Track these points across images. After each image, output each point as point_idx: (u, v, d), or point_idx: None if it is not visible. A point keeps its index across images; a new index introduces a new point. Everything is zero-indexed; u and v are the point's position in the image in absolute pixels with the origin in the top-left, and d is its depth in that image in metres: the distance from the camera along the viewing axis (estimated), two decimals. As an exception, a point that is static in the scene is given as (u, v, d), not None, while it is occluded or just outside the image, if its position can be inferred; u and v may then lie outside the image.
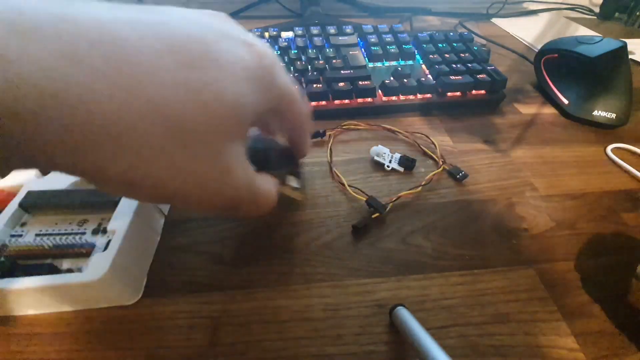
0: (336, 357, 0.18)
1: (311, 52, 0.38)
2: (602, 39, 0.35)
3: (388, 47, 0.40)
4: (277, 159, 0.20)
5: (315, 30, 0.42)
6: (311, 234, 0.24)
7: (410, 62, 0.41)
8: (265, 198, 0.17)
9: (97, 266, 0.18)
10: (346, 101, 0.35)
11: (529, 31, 0.57)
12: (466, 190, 0.28)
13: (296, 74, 0.36)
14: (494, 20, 0.62)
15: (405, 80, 0.36)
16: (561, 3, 0.69)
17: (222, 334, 0.19)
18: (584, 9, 0.68)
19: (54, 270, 0.19)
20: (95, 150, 0.11)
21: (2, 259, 0.19)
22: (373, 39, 0.41)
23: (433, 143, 0.31)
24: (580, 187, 0.28)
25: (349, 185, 0.27)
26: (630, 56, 0.48)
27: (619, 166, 0.30)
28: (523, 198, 0.27)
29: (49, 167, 0.12)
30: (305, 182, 0.27)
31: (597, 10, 0.67)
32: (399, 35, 0.42)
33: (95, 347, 0.18)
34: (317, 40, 0.40)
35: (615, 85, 0.34)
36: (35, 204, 0.22)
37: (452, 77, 0.36)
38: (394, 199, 0.26)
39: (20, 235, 0.21)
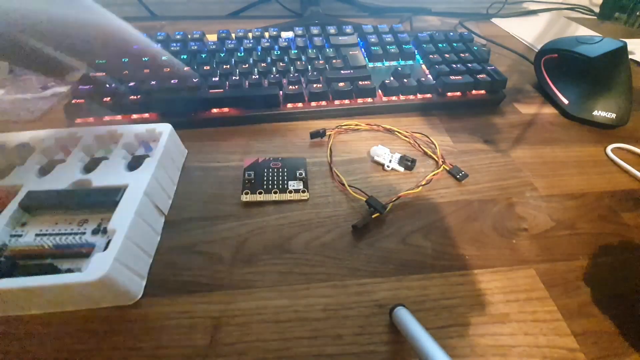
0: (336, 357, 0.18)
1: (311, 52, 0.38)
2: (602, 39, 0.35)
3: (388, 47, 0.40)
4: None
5: (315, 30, 0.42)
6: (311, 234, 0.24)
7: (410, 62, 0.41)
8: None
9: (97, 266, 0.18)
10: (346, 101, 0.35)
11: (529, 31, 0.57)
12: (466, 190, 0.28)
13: (296, 74, 0.36)
14: (494, 20, 0.62)
15: (405, 80, 0.36)
16: (561, 3, 0.69)
17: (222, 334, 0.19)
18: (584, 9, 0.68)
19: (54, 270, 0.19)
20: None
21: (2, 259, 0.19)
22: (373, 39, 0.41)
23: (433, 143, 0.31)
24: (580, 187, 0.28)
25: (349, 185, 0.27)
26: (630, 56, 0.48)
27: (619, 166, 0.30)
28: (523, 198, 0.27)
29: None
30: (307, 182, 0.27)
31: (597, 10, 0.67)
32: (399, 35, 0.42)
33: (95, 347, 0.18)
34: (317, 40, 0.40)
35: (615, 85, 0.34)
36: (35, 204, 0.22)
37: (452, 77, 0.36)
38: (394, 199, 0.26)
39: (20, 235, 0.21)
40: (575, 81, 0.36)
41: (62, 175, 0.23)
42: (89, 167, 0.25)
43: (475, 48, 0.40)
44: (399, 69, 0.37)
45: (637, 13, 0.61)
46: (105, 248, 0.19)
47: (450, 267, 0.22)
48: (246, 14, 0.61)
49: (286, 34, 0.42)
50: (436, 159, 0.30)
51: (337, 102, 0.35)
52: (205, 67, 0.35)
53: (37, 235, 0.21)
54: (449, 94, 0.36)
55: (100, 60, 0.28)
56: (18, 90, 0.38)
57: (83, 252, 0.20)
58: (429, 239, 0.24)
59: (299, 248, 0.23)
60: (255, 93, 0.33)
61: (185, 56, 0.37)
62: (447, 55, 0.39)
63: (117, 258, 0.18)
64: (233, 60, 0.38)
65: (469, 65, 0.38)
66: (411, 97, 0.36)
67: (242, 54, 0.38)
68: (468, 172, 0.28)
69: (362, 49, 0.41)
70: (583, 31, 0.58)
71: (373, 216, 0.24)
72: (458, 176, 0.28)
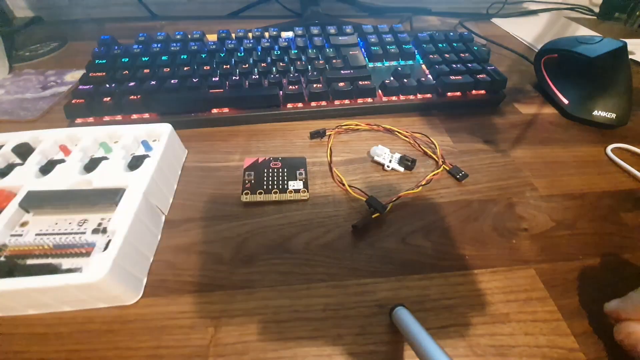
0: (336, 357, 0.18)
1: (311, 52, 0.38)
2: (602, 39, 0.35)
3: (388, 47, 0.40)
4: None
5: (315, 30, 0.42)
6: (311, 234, 0.24)
7: (410, 62, 0.41)
8: None
9: (97, 266, 0.18)
10: (346, 101, 0.35)
11: (529, 31, 0.57)
12: (466, 190, 0.28)
13: (296, 74, 0.36)
14: (494, 20, 0.62)
15: (405, 80, 0.36)
16: (561, 3, 0.69)
17: (222, 334, 0.19)
18: (584, 9, 0.68)
19: (54, 270, 0.19)
20: None
21: (2, 259, 0.19)
22: (373, 39, 0.41)
23: (433, 143, 0.31)
24: (580, 187, 0.28)
25: (349, 185, 0.27)
26: (630, 56, 0.48)
27: (619, 166, 0.30)
28: (523, 198, 0.27)
29: None
30: (307, 182, 0.27)
31: (597, 10, 0.67)
32: (399, 35, 0.42)
33: (95, 347, 0.18)
34: (317, 40, 0.40)
35: (615, 85, 0.34)
36: (35, 204, 0.22)
37: (452, 77, 0.36)
38: (394, 199, 0.26)
39: (20, 235, 0.21)
40: (575, 81, 0.36)
41: (62, 175, 0.23)
42: (89, 167, 0.25)
43: (475, 48, 0.40)
44: (399, 69, 0.37)
45: (637, 13, 0.61)
46: (105, 248, 0.19)
47: (450, 267, 0.22)
48: (246, 14, 0.61)
49: (286, 34, 0.42)
50: (436, 159, 0.30)
51: (337, 102, 0.35)
52: (205, 67, 0.35)
53: (37, 235, 0.21)
54: (449, 94, 0.36)
55: None
56: (18, 90, 0.38)
57: (83, 252, 0.20)
58: (429, 239, 0.24)
59: (299, 248, 0.23)
60: (255, 93, 0.33)
61: (185, 56, 0.37)
62: (447, 55, 0.39)
63: (117, 258, 0.18)
64: (233, 60, 0.38)
65: (469, 65, 0.38)
66: (411, 97, 0.36)
67: (242, 54, 0.38)
68: (468, 172, 0.28)
69: (362, 49, 0.41)
70: (583, 31, 0.58)
71: (373, 216, 0.24)
72: (458, 176, 0.28)
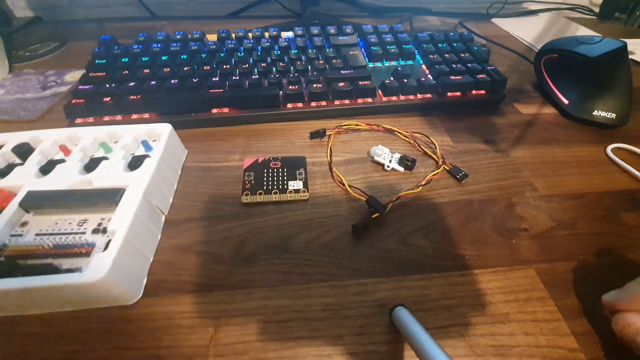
0: (336, 357, 0.18)
1: (311, 52, 0.38)
2: (602, 39, 0.35)
3: (388, 47, 0.40)
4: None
5: (315, 30, 0.42)
6: (311, 234, 0.24)
7: (410, 62, 0.41)
8: None
9: (97, 266, 0.18)
10: (346, 101, 0.35)
11: (529, 31, 0.57)
12: (466, 190, 0.27)
13: (296, 74, 0.36)
14: (494, 20, 0.62)
15: (405, 80, 0.36)
16: (561, 3, 0.69)
17: (222, 334, 0.19)
18: (584, 9, 0.68)
19: (54, 270, 0.19)
20: None
21: (2, 259, 0.19)
22: (373, 39, 0.41)
23: (433, 143, 0.31)
24: (580, 187, 0.28)
25: (349, 185, 0.27)
26: (630, 56, 0.48)
27: (619, 166, 0.30)
28: (523, 198, 0.27)
29: None
30: (307, 182, 0.27)
31: (597, 10, 0.67)
32: (399, 35, 0.42)
33: (95, 347, 0.18)
34: (317, 40, 0.40)
35: (615, 85, 0.34)
36: (35, 204, 0.22)
37: (452, 77, 0.36)
38: (394, 199, 0.26)
39: (20, 235, 0.21)
40: (575, 81, 0.36)
41: (62, 175, 0.23)
42: (89, 167, 0.25)
43: (475, 48, 0.40)
44: (399, 69, 0.37)
45: (637, 13, 0.61)
46: (105, 248, 0.19)
47: (450, 267, 0.22)
48: (246, 14, 0.61)
49: (286, 34, 0.42)
50: (436, 159, 0.30)
51: (337, 102, 0.35)
52: (205, 67, 0.35)
53: (37, 235, 0.21)
54: (449, 94, 0.36)
55: None
56: (18, 90, 0.38)
57: (83, 252, 0.20)
58: (429, 239, 0.24)
59: (299, 248, 0.23)
60: (255, 93, 0.33)
61: (185, 56, 0.37)
62: (447, 55, 0.39)
63: (116, 258, 0.18)
64: (233, 60, 0.38)
65: (469, 65, 0.38)
66: (411, 97, 0.36)
67: (242, 54, 0.38)
68: (468, 172, 0.28)
69: (362, 49, 0.41)
70: (583, 31, 0.58)
71: (373, 216, 0.24)
72: (458, 176, 0.28)
